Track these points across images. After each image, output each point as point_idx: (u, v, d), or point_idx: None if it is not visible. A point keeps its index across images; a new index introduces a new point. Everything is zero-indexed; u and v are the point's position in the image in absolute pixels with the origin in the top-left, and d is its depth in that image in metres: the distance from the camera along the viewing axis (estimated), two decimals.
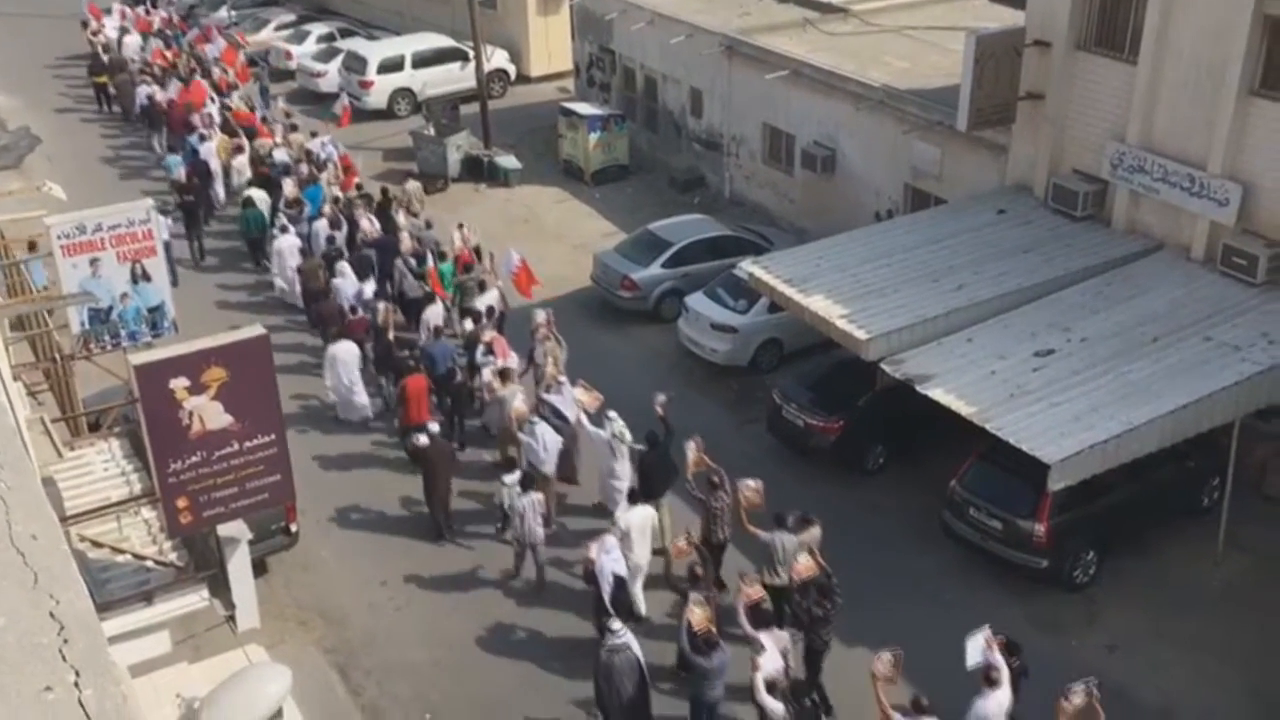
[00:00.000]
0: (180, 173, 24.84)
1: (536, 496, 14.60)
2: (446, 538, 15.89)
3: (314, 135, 26.86)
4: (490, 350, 17.49)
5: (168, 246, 19.22)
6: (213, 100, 28.41)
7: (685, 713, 12.37)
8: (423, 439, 15.83)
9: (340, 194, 23.35)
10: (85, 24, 35.46)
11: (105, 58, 33.08)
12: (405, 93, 31.53)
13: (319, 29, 35.69)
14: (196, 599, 10.50)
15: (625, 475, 15.16)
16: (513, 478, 14.92)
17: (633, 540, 13.81)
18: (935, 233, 17.99)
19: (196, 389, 9.67)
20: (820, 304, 16.35)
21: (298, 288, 21.00)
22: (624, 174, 27.30)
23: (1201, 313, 15.36)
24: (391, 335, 18.68)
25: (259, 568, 13.38)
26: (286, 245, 21.40)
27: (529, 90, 33.07)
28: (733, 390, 19.11)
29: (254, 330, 10.24)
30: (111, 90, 32.25)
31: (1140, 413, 13.57)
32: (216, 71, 31.10)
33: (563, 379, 16.61)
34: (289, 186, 23.18)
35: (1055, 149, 18.11)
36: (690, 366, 19.66)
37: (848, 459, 16.81)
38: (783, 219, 24.06)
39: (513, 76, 33.20)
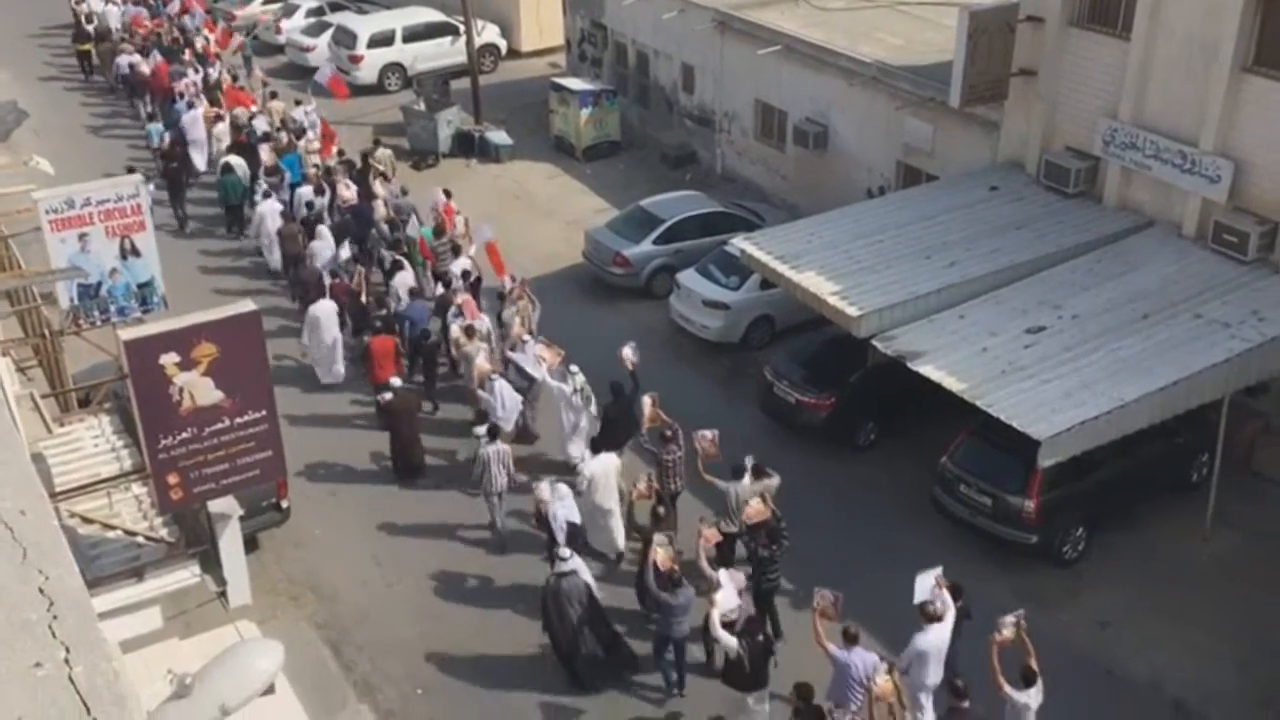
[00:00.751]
0: (164, 140, 25.09)
1: (503, 448, 14.90)
2: (416, 483, 16.41)
3: (298, 103, 26.87)
4: (460, 312, 17.68)
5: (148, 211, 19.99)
6: (196, 70, 28.51)
7: (648, 651, 13.00)
8: (386, 395, 16.35)
9: (320, 161, 23.52)
10: None
11: (89, 27, 33.05)
12: (396, 68, 31.32)
13: (308, 3, 35.35)
14: (187, 575, 10.51)
15: (585, 428, 15.61)
16: (482, 428, 15.21)
17: (597, 486, 14.19)
18: (927, 209, 17.97)
19: (187, 365, 9.64)
20: (812, 280, 16.33)
21: (277, 252, 21.27)
22: (615, 150, 27.19)
23: (1192, 290, 15.39)
24: (364, 298, 18.95)
25: (250, 544, 13.35)
26: (268, 210, 21.60)
27: (520, 65, 32.88)
28: (724, 367, 19.11)
29: (245, 306, 10.21)
30: (95, 60, 32.41)
31: (1130, 389, 13.61)
32: (199, 41, 31.20)
33: (527, 338, 16.82)
34: (266, 153, 23.46)
35: (1047, 125, 18.07)
36: (682, 343, 19.65)
37: (839, 435, 16.84)
38: (775, 195, 24.00)
39: (504, 51, 33.01)
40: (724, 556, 13.14)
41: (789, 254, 17.07)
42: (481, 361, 16.29)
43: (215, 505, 10.56)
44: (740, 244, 17.87)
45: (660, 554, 12.47)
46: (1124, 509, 14.99)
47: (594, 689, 13.06)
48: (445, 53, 31.22)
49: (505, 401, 15.80)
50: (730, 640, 11.79)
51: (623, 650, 13.28)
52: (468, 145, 27.36)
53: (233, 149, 24.46)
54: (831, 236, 17.48)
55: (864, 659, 11.26)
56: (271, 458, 10.48)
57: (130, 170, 22.01)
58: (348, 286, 19.15)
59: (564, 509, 13.58)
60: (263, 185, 22.40)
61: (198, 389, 9.76)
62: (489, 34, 32.16)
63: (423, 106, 27.34)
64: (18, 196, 15.07)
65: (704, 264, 19.85)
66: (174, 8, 34.40)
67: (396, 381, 16.65)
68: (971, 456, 14.82)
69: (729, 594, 12.02)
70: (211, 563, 10.77)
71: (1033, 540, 14.37)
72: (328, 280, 19.31)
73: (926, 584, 11.73)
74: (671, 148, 26.74)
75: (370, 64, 31.07)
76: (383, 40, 31.33)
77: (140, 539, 10.69)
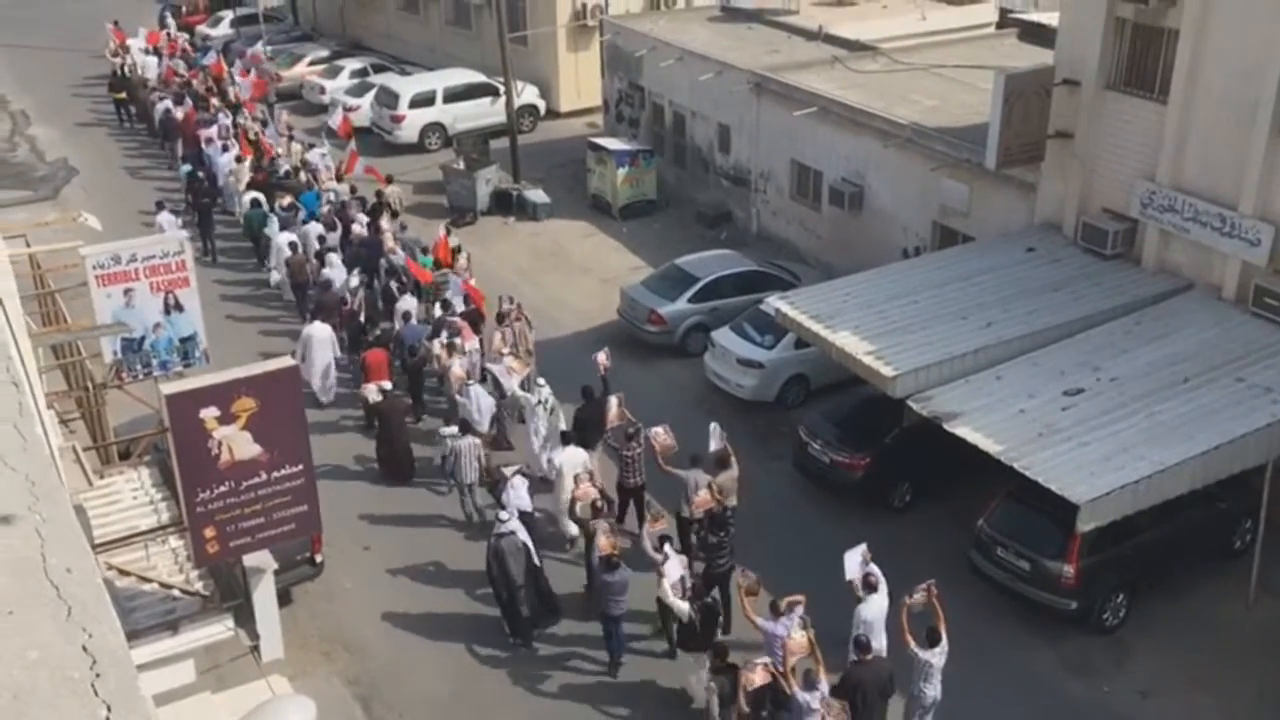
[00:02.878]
0: (196, 179, 26.68)
1: (474, 441, 16.29)
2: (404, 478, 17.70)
3: (312, 147, 28.32)
4: (454, 335, 18.81)
5: None
6: (226, 115, 30.10)
7: (598, 631, 14.13)
8: (373, 393, 17.85)
9: (334, 197, 25.04)
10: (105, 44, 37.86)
11: (127, 76, 35.13)
12: (436, 127, 31.85)
13: (353, 64, 36.19)
14: (221, 629, 10.54)
15: (544, 433, 16.93)
16: (450, 429, 16.69)
17: (564, 477, 15.39)
18: (963, 270, 17.95)
19: (226, 419, 9.76)
20: (847, 340, 16.31)
21: (287, 281, 22.99)
22: (652, 209, 27.41)
23: (1233, 353, 15.22)
24: (363, 318, 20.60)
25: (283, 598, 13.40)
26: (282, 241, 23.18)
27: (558, 125, 33.32)
28: (759, 426, 19.04)
29: (284, 362, 10.34)
30: (132, 108, 34.58)
31: (1171, 453, 13.44)
32: (232, 91, 32.91)
33: (505, 351, 18.24)
34: (286, 196, 25.00)
35: (1084, 188, 18.06)
36: (716, 401, 19.62)
37: (874, 496, 16.70)
38: (810, 255, 24.07)
39: (542, 112, 33.48)
40: (668, 539, 14.12)
41: (824, 313, 17.07)
42: (457, 369, 17.82)
43: (250, 559, 10.62)
44: (775, 303, 17.90)
45: (602, 540, 13.73)
46: (1165, 575, 14.73)
47: (528, 643, 14.47)
48: (485, 113, 31.69)
49: (480, 405, 17.25)
50: (682, 605, 13.07)
51: (553, 603, 14.82)
52: (506, 203, 27.68)
53: (253, 186, 25.96)
54: (867, 296, 17.48)
55: (787, 627, 12.20)
56: (307, 512, 10.54)
57: (160, 205, 24.65)
58: (351, 309, 20.74)
59: (517, 496, 14.91)
60: (276, 219, 23.97)
61: (237, 443, 9.87)
62: (528, 94, 32.65)
63: (462, 165, 27.73)
64: (66, 252, 15.39)
65: (739, 322, 19.89)
66: (210, 59, 35.91)
67: (387, 385, 18.10)
68: (1009, 520, 14.64)
69: (674, 565, 13.31)
70: (245, 617, 10.80)
71: (1072, 606, 14.13)
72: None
73: (855, 560, 13.06)
74: (707, 207, 26.92)
75: (411, 123, 31.62)
76: (424, 100, 31.89)
77: (176, 592, 10.75)
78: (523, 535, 14.19)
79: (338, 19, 43.56)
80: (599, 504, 14.72)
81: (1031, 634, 14.39)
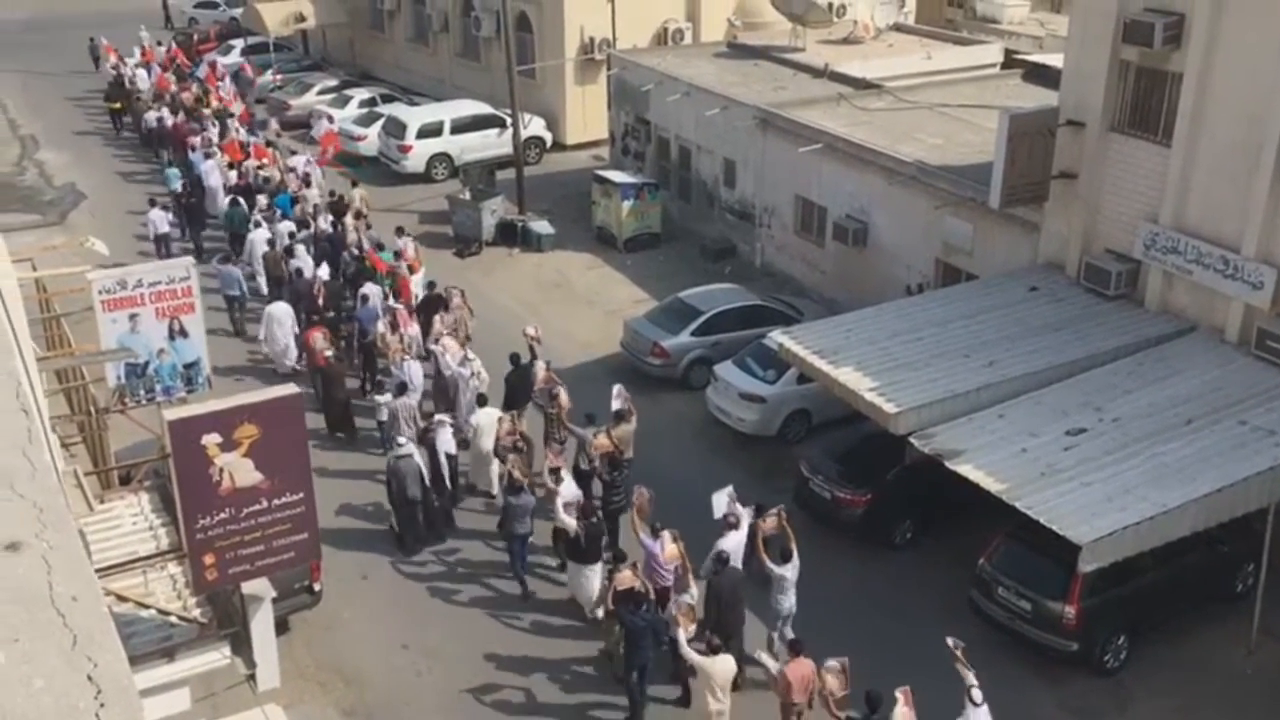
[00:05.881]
0: (178, 185, 28.30)
1: (409, 402, 18.07)
2: (345, 436, 19.62)
3: (293, 154, 30.25)
4: (395, 320, 20.76)
5: (165, 238, 26.15)
6: (214, 124, 31.78)
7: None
8: (327, 351, 19.98)
9: (309, 201, 26.86)
10: (97, 60, 40.87)
11: (123, 86, 37.03)
12: (443, 157, 32.02)
13: (361, 94, 36.43)
14: (218, 656, 10.48)
15: (472, 401, 18.52)
16: (385, 396, 18.57)
17: (483, 433, 17.60)
18: (967, 308, 17.99)
19: (228, 446, 9.74)
20: (849, 376, 16.33)
21: (263, 274, 24.65)
22: (656, 242, 27.51)
23: (1236, 396, 15.23)
24: (321, 301, 22.38)
25: (280, 626, 13.31)
26: (259, 238, 24.89)
27: (564, 157, 33.51)
28: (760, 461, 19.01)
29: (287, 389, 10.33)
30: (126, 117, 36.52)
31: (1173, 495, 13.41)
32: (215, 101, 34.85)
33: (444, 333, 19.95)
34: (263, 197, 26.99)
35: (1088, 228, 18.13)
36: (718, 435, 19.61)
37: (875, 533, 16.66)
38: (813, 290, 24.13)
39: (549, 144, 33.67)
40: (560, 472, 15.99)
41: (827, 349, 17.10)
42: (395, 344, 19.90)
43: (248, 587, 10.58)
44: (778, 338, 17.93)
45: (515, 471, 15.90)
46: (1167, 618, 14.67)
47: (414, 552, 16.71)
48: (491, 144, 31.86)
49: (414, 378, 19.18)
50: (570, 521, 14.98)
51: (444, 520, 17.19)
52: (511, 234, 27.78)
53: (237, 189, 27.86)
54: (870, 333, 17.51)
55: (665, 544, 14.12)
56: (307, 540, 10.50)
57: (152, 202, 26.59)
58: (313, 295, 22.74)
59: (443, 441, 17.27)
60: (256, 217, 25.66)
61: (238, 470, 9.84)
62: (535, 126, 32.84)
63: (468, 196, 27.87)
64: (72, 277, 15.43)
65: (741, 357, 19.91)
66: (204, 71, 37.32)
67: (329, 352, 20.07)
68: (1010, 559, 14.60)
69: (568, 486, 15.52)
70: (242, 645, 10.75)
71: (1073, 648, 14.06)
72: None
73: (722, 501, 14.66)
74: (711, 241, 27.02)
75: (418, 154, 31.80)
76: (431, 131, 32.08)
77: (173, 619, 10.70)
78: (418, 459, 16.54)
79: (347, 49, 43.92)
80: (519, 444, 17.04)
81: (1032, 675, 14.30)
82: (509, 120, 29.66)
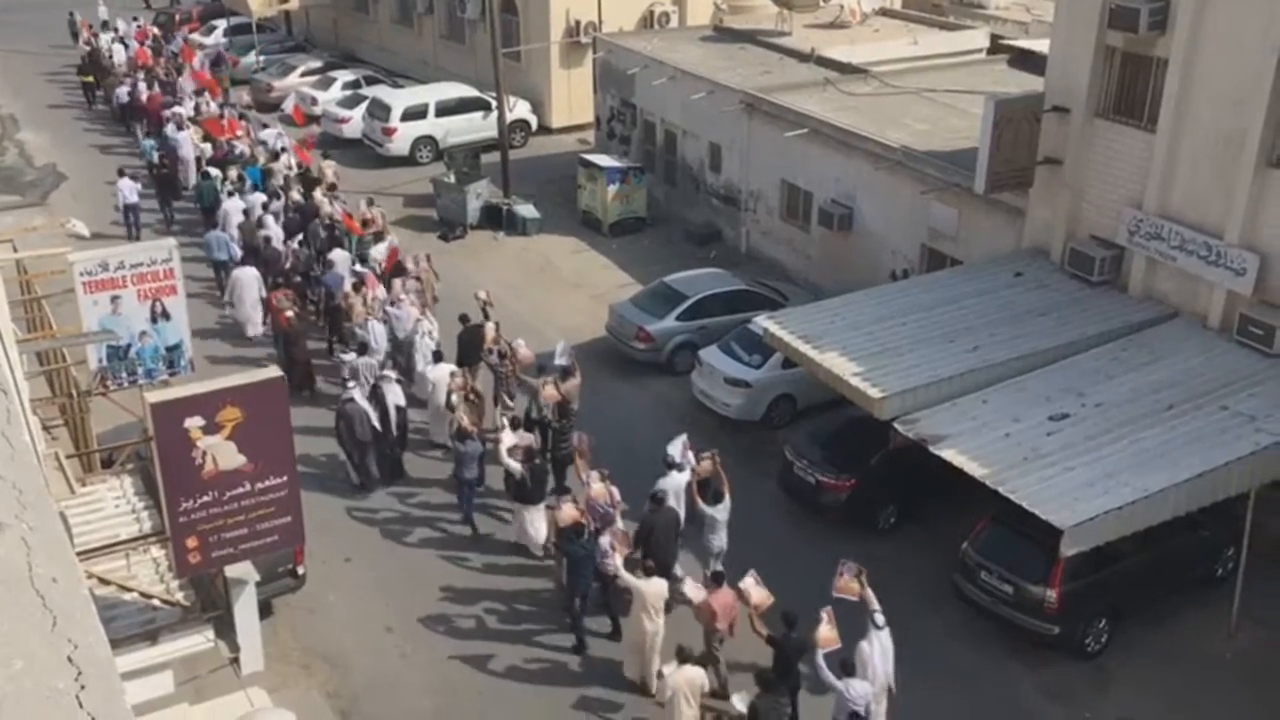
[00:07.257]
0: (154, 156, 28.51)
1: (370, 360, 18.77)
2: (308, 390, 20.32)
3: (265, 127, 30.83)
4: (360, 283, 21.53)
5: (135, 208, 26.37)
6: (189, 98, 32.26)
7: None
8: (287, 311, 20.69)
9: (275, 171, 27.31)
10: (75, 35, 40.70)
11: (97, 60, 37.24)
12: (428, 140, 31.87)
13: (345, 76, 36.17)
14: (201, 640, 10.45)
15: (428, 356, 19.29)
16: (349, 355, 19.19)
17: (438, 388, 18.39)
18: (951, 293, 18.02)
19: (211, 429, 9.69)
20: (834, 361, 16.35)
21: (237, 242, 25.09)
22: (641, 226, 27.46)
23: (1217, 382, 15.31)
24: (288, 265, 23.19)
25: (264, 609, 13.28)
26: (232, 207, 25.30)
27: (550, 141, 33.39)
28: (745, 445, 19.03)
29: (270, 372, 10.29)
30: (99, 91, 36.75)
31: (1155, 480, 13.49)
32: (188, 72, 35.32)
33: (404, 297, 20.64)
34: (234, 169, 27.23)
35: (1072, 214, 18.18)
36: (703, 420, 19.61)
37: (859, 517, 16.72)
38: (798, 275, 24.14)
39: (534, 127, 33.54)
40: (515, 420, 17.11)
41: (812, 334, 17.12)
42: (358, 306, 20.60)
43: (232, 570, 10.55)
44: (763, 323, 17.94)
45: (463, 420, 16.85)
46: (1148, 602, 14.77)
47: (370, 489, 17.74)
48: (476, 127, 31.74)
49: (377, 338, 19.79)
50: (515, 464, 15.75)
51: (398, 464, 18.25)
52: (496, 218, 27.69)
53: (212, 161, 28.15)
54: (854, 318, 17.53)
55: (592, 484, 15.13)
56: (291, 523, 10.47)
57: (121, 172, 26.87)
58: (281, 262, 23.52)
59: (392, 395, 18.14)
60: (228, 187, 26.29)
61: (221, 453, 9.80)
62: (520, 110, 32.70)
63: (452, 179, 27.74)
64: (53, 258, 15.31)
65: (726, 341, 19.92)
66: (177, 45, 38.05)
67: (290, 312, 20.80)
68: (993, 544, 14.67)
69: (509, 435, 16.25)
70: (226, 628, 10.72)
71: (1054, 631, 14.16)
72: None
73: (677, 446, 15.57)
74: (697, 225, 26.99)
75: (403, 136, 31.63)
76: (416, 114, 31.91)
77: (156, 602, 10.66)
78: (362, 402, 17.58)
79: (331, 30, 43.63)
80: (470, 396, 18.09)
81: (1013, 659, 14.39)
82: (494, 103, 29.52)
